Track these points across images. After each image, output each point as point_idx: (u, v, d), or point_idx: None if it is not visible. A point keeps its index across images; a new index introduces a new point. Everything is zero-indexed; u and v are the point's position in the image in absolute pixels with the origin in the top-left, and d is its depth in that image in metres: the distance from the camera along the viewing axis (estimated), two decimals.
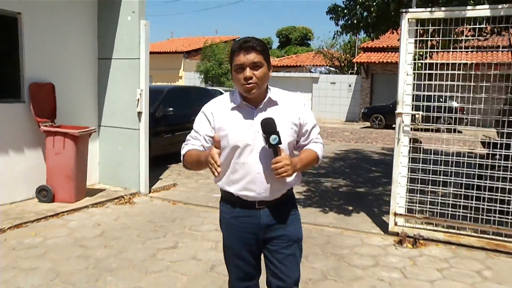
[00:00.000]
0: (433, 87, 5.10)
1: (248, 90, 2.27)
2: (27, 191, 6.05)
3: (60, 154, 5.91)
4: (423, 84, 5.12)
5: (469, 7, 4.75)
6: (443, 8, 4.88)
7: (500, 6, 4.54)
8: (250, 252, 2.48)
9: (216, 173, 2.10)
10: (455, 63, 4.97)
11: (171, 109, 9.17)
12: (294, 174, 2.36)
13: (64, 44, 6.41)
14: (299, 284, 2.51)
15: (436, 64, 5.25)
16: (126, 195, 6.56)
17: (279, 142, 2.19)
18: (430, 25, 5.02)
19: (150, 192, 6.91)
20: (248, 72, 2.24)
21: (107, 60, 6.80)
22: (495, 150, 5.29)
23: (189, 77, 28.75)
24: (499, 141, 5.22)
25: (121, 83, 6.74)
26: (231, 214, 2.47)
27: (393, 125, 6.46)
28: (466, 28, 5.50)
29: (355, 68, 27.90)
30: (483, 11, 4.66)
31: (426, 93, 5.05)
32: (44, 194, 5.98)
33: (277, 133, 2.20)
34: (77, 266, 4.16)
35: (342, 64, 30.42)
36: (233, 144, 2.32)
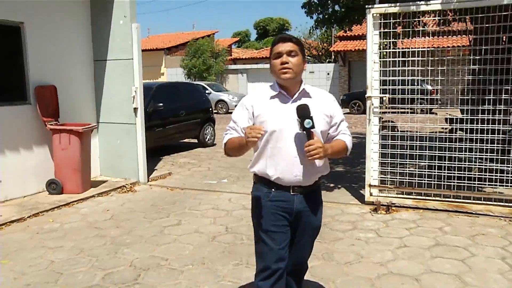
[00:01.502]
0: (400, 72, 5.80)
1: (283, 73, 2.51)
2: (37, 185, 6.63)
3: (66, 149, 6.49)
4: (389, 70, 5.83)
5: (422, 2, 5.46)
6: (399, 4, 5.57)
7: (450, 1, 5.26)
8: (283, 234, 2.64)
9: (260, 133, 2.32)
10: (419, 50, 5.70)
11: (161, 104, 9.76)
12: (323, 161, 2.59)
13: (63, 48, 6.96)
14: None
15: (400, 52, 5.98)
16: (127, 184, 7.18)
17: (313, 126, 2.39)
18: (391, 18, 5.71)
19: (148, 181, 7.53)
20: (284, 57, 2.50)
21: (102, 62, 7.38)
22: (454, 125, 6.08)
23: (171, 73, 29.19)
24: (457, 117, 6.00)
25: (117, 82, 7.32)
26: (266, 198, 2.63)
27: None
28: (425, 19, 6.24)
29: (333, 57, 28.65)
30: (435, 5, 5.38)
31: (391, 78, 5.78)
32: (54, 186, 6.56)
33: (311, 118, 2.40)
34: (96, 243, 4.79)
35: (320, 53, 31.17)
36: (270, 129, 2.52)
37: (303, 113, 2.41)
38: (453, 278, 3.83)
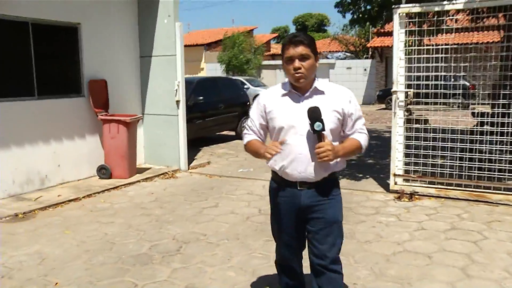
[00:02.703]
0: (427, 69, 6.15)
1: (297, 79, 2.53)
2: (89, 170, 7.32)
3: (115, 138, 7.14)
4: (415, 66, 6.19)
5: (445, 2, 5.78)
6: (423, 4, 5.91)
7: (474, 1, 5.58)
8: (293, 228, 2.74)
9: (274, 152, 2.46)
10: (447, 47, 6.04)
11: (201, 97, 10.35)
12: (336, 160, 2.58)
13: (112, 46, 7.62)
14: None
15: (426, 49, 6.30)
16: (169, 171, 7.79)
17: (323, 129, 2.43)
18: (417, 17, 6.05)
19: (189, 168, 8.13)
20: (297, 63, 2.50)
21: (147, 58, 8.01)
22: (479, 119, 6.38)
23: (210, 68, 29.89)
24: (484, 111, 6.31)
25: (160, 76, 7.94)
26: (276, 193, 2.74)
27: None
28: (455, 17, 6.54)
29: (370, 53, 28.67)
30: (458, 5, 5.70)
31: (415, 73, 6.13)
32: (104, 172, 7.23)
33: (321, 121, 2.43)
34: (143, 220, 5.39)
35: (357, 49, 31.22)
36: (279, 125, 2.59)
37: (314, 115, 2.45)
38: (462, 256, 4.20)
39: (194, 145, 10.14)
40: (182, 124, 7.90)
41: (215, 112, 11.00)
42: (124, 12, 7.80)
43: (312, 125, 2.44)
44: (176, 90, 7.75)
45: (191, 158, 8.72)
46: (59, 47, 6.97)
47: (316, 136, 2.46)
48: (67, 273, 3.96)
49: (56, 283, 3.77)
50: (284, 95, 2.64)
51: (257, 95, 13.51)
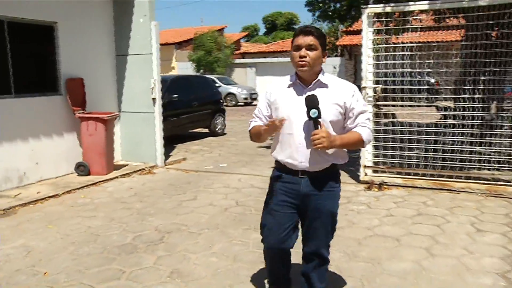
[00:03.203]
0: (396, 65, 6.50)
1: (300, 66, 2.59)
2: (67, 167, 7.41)
3: (93, 135, 7.26)
4: (385, 63, 6.53)
5: (411, 3, 6.14)
6: (391, 4, 6.27)
7: (435, 2, 5.95)
8: (284, 214, 2.79)
9: (277, 122, 2.57)
10: (413, 45, 6.40)
11: (175, 95, 10.52)
12: (333, 150, 2.66)
13: (89, 45, 7.72)
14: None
15: (394, 47, 6.66)
16: (146, 167, 7.94)
17: (319, 116, 2.49)
18: (384, 17, 6.40)
19: (165, 165, 8.30)
20: (303, 51, 2.58)
21: (124, 56, 8.14)
22: (442, 113, 6.77)
23: (181, 67, 29.94)
24: (443, 106, 6.70)
25: (137, 74, 8.08)
26: (278, 179, 2.82)
27: None
28: (419, 17, 6.92)
29: (339, 51, 29.23)
30: (422, 6, 6.06)
31: (383, 70, 6.47)
32: (82, 168, 7.34)
33: (318, 108, 2.50)
34: (124, 214, 5.55)
35: (327, 47, 31.76)
36: (282, 115, 2.66)
37: (311, 103, 2.52)
38: (427, 238, 4.55)
39: (169, 142, 10.27)
40: (159, 121, 8.06)
41: (189, 110, 11.18)
42: (100, 11, 7.90)
43: (308, 112, 2.51)
44: (152, 88, 7.90)
45: (166, 154, 8.88)
46: (35, 45, 7.05)
47: (312, 123, 2.53)
48: (55, 264, 4.11)
49: (45, 273, 3.92)
50: (289, 86, 2.72)
51: (229, 93, 14.07)
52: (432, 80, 14.21)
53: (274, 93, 2.77)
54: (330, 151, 2.64)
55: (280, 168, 2.80)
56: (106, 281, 3.75)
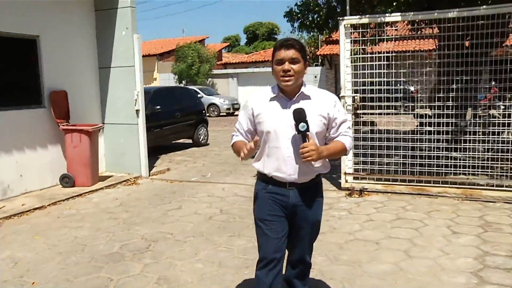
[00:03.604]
0: (375, 75, 6.72)
1: (285, 81, 2.60)
2: (51, 179, 7.45)
3: (77, 147, 7.32)
4: (363, 72, 6.75)
5: (386, 14, 6.38)
6: (367, 16, 6.50)
7: (408, 14, 6.20)
8: (278, 223, 2.77)
9: (242, 155, 2.58)
10: (389, 55, 6.62)
11: (158, 107, 10.62)
12: (320, 161, 2.69)
13: (72, 57, 7.80)
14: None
15: (372, 56, 6.87)
16: (131, 178, 8.02)
17: (307, 130, 2.52)
18: (361, 28, 6.62)
19: (150, 175, 8.38)
20: (286, 65, 2.58)
21: (107, 69, 8.23)
22: (419, 120, 7.01)
23: (163, 78, 30.01)
24: (420, 113, 6.93)
25: (120, 86, 8.17)
26: (265, 190, 2.79)
27: None
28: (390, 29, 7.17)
29: (320, 60, 29.62)
30: (395, 17, 6.30)
31: (362, 79, 6.68)
32: (66, 180, 7.39)
33: (306, 122, 2.52)
34: (110, 224, 5.63)
35: (308, 57, 32.15)
36: (267, 129, 2.67)
37: (299, 116, 2.53)
38: (406, 241, 4.72)
39: (153, 153, 10.34)
40: (142, 132, 8.15)
41: (172, 121, 11.28)
42: (82, 25, 8.00)
43: (297, 125, 2.53)
44: (136, 99, 8.00)
45: (150, 165, 8.94)
46: (19, 58, 7.11)
47: (300, 136, 2.55)
48: (43, 274, 4.17)
49: (33, 283, 3.99)
50: (272, 99, 2.71)
51: (211, 103, 14.26)
52: (412, 88, 14.54)
53: (257, 107, 2.74)
54: (317, 162, 2.68)
55: (267, 180, 2.79)
56: None
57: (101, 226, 5.52)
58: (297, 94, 2.67)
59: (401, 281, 3.79)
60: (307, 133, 2.53)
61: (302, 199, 2.73)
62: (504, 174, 6.24)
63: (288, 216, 2.79)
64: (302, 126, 2.51)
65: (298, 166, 2.66)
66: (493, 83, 7.48)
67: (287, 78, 2.59)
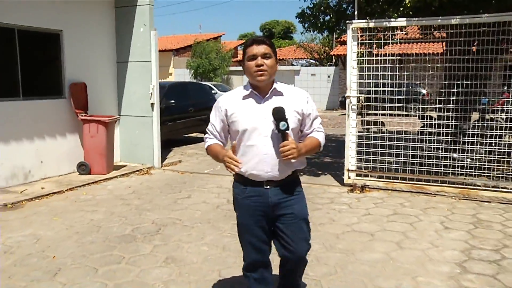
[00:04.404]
0: (382, 77, 7.01)
1: (258, 76, 2.60)
2: (69, 166, 7.86)
3: (94, 137, 7.71)
4: (367, 74, 7.03)
5: (392, 19, 6.66)
6: (374, 20, 6.78)
7: (413, 19, 6.48)
8: (261, 229, 2.78)
9: (236, 169, 2.56)
10: (395, 57, 6.90)
11: (172, 101, 11.00)
12: (299, 158, 2.67)
13: (92, 51, 8.20)
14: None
15: (376, 58, 7.16)
16: (144, 168, 8.40)
17: (287, 128, 2.53)
18: (368, 31, 6.90)
19: (162, 166, 8.75)
20: (259, 60, 2.59)
21: (124, 63, 8.62)
22: (425, 121, 7.28)
23: (178, 73, 30.43)
24: (424, 114, 7.20)
25: (136, 80, 8.56)
26: (242, 195, 2.77)
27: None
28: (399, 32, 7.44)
29: (333, 60, 29.81)
30: (401, 22, 6.58)
31: (366, 81, 6.97)
32: (83, 168, 7.79)
33: (286, 120, 2.53)
34: (123, 209, 6.00)
35: (322, 57, 32.37)
36: (243, 128, 2.64)
37: (279, 115, 2.54)
38: (399, 234, 5.02)
39: (166, 146, 10.73)
40: (156, 125, 8.53)
41: (185, 115, 11.65)
42: (102, 21, 8.39)
43: (277, 124, 2.53)
44: (151, 93, 8.38)
45: (163, 157, 9.32)
46: (42, 52, 7.54)
47: (280, 135, 2.55)
48: (62, 250, 4.56)
49: (54, 257, 4.37)
50: (245, 97, 2.71)
51: None
52: (423, 91, 14.79)
53: (230, 107, 2.72)
54: (295, 160, 2.64)
55: (243, 181, 2.76)
56: (108, 264, 4.20)
57: (115, 211, 5.90)
58: (270, 91, 2.69)
59: (389, 269, 4.10)
60: (287, 131, 2.55)
61: (282, 196, 2.73)
62: (501, 175, 6.49)
63: (272, 217, 2.77)
64: (282, 124, 2.52)
65: (275, 163, 2.65)
66: (506, 88, 7.69)
67: (260, 73, 2.60)
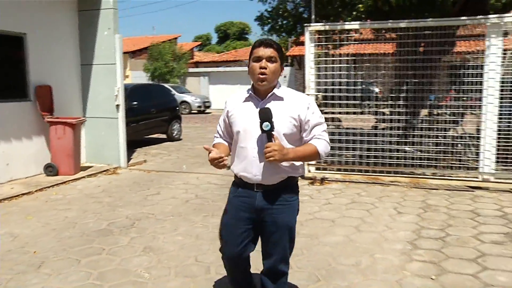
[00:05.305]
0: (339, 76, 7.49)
1: (260, 79, 2.58)
2: (36, 168, 7.95)
3: (61, 138, 7.84)
4: (324, 74, 7.51)
5: (346, 23, 7.16)
6: (329, 24, 7.27)
7: (365, 23, 7.00)
8: (240, 229, 2.77)
9: (224, 168, 2.63)
10: (351, 58, 7.40)
11: (135, 103, 11.18)
12: (288, 162, 2.63)
13: (56, 54, 8.31)
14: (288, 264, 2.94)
15: (332, 59, 7.65)
16: (110, 168, 8.59)
17: (271, 129, 2.49)
18: (325, 33, 7.38)
19: (128, 166, 8.95)
20: (264, 63, 2.56)
21: (89, 66, 8.77)
22: (378, 117, 7.83)
23: (135, 75, 30.30)
24: (377, 111, 7.74)
25: (101, 83, 8.72)
26: (234, 193, 2.81)
27: None
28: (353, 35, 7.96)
29: (289, 61, 30.47)
30: (355, 25, 7.09)
31: (323, 80, 7.45)
32: (50, 169, 7.90)
33: (271, 121, 2.49)
34: (96, 206, 6.21)
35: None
36: (237, 129, 2.69)
37: (263, 116, 2.51)
38: (357, 219, 5.50)
39: (128, 147, 10.85)
40: (122, 126, 8.73)
41: (147, 116, 11.85)
42: (66, 24, 8.52)
43: (261, 124, 2.52)
44: (116, 95, 8.57)
45: (128, 157, 9.49)
46: (6, 55, 7.60)
47: (265, 136, 2.55)
48: (41, 245, 4.75)
49: (34, 252, 4.57)
50: (246, 99, 2.73)
51: (183, 101, 15.12)
52: (376, 90, 15.50)
53: (232, 108, 2.77)
54: (285, 163, 2.63)
55: (237, 182, 2.80)
56: (89, 256, 4.45)
57: (88, 208, 6.10)
58: (269, 95, 2.66)
59: (349, 249, 4.54)
60: (272, 133, 2.53)
61: (268, 202, 2.69)
62: (447, 165, 7.11)
63: (257, 220, 2.76)
64: (265, 125, 2.50)
65: (263, 166, 2.63)
66: (452, 86, 8.35)
67: (262, 77, 2.58)
